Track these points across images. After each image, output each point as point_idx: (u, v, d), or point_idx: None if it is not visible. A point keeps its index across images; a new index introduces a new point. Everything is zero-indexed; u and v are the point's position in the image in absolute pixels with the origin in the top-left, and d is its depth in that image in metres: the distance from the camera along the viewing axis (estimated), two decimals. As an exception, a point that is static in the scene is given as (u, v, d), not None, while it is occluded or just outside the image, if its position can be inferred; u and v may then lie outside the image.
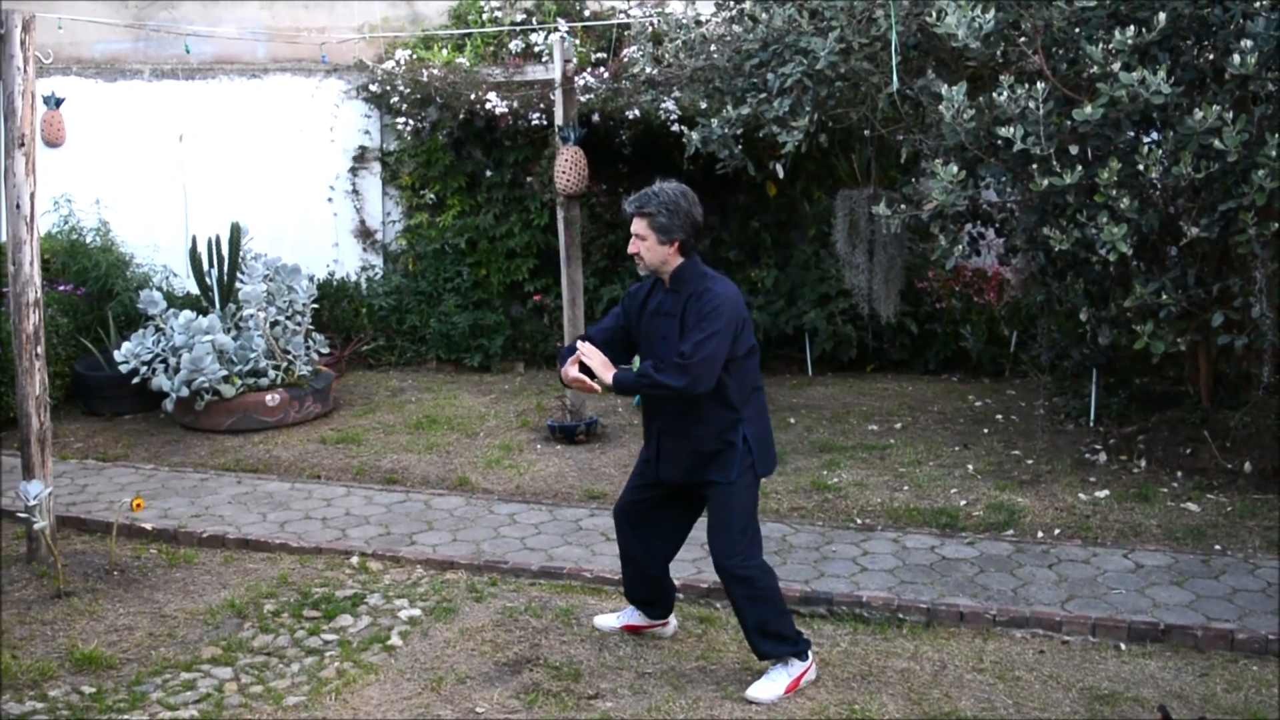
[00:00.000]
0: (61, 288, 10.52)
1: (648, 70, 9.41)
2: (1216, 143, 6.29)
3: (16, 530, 7.27)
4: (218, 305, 10.05)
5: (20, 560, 6.86)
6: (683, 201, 5.10)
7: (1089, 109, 6.45)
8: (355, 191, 12.15)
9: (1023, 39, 7.08)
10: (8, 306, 7.04)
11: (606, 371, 5.14)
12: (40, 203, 6.79)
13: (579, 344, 5.26)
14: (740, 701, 5.16)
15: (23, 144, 6.56)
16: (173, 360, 9.47)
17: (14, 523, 7.37)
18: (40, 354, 6.71)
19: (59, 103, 7.93)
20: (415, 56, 11.66)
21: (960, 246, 7.74)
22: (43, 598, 6.33)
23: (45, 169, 7.02)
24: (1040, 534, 6.96)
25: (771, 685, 5.18)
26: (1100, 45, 6.47)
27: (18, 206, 6.58)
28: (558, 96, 9.17)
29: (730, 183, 11.24)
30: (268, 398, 9.51)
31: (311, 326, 10.34)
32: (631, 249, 5.20)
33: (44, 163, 6.89)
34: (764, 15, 8.01)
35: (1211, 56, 6.87)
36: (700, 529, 5.47)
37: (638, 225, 5.14)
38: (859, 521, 7.27)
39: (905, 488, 7.76)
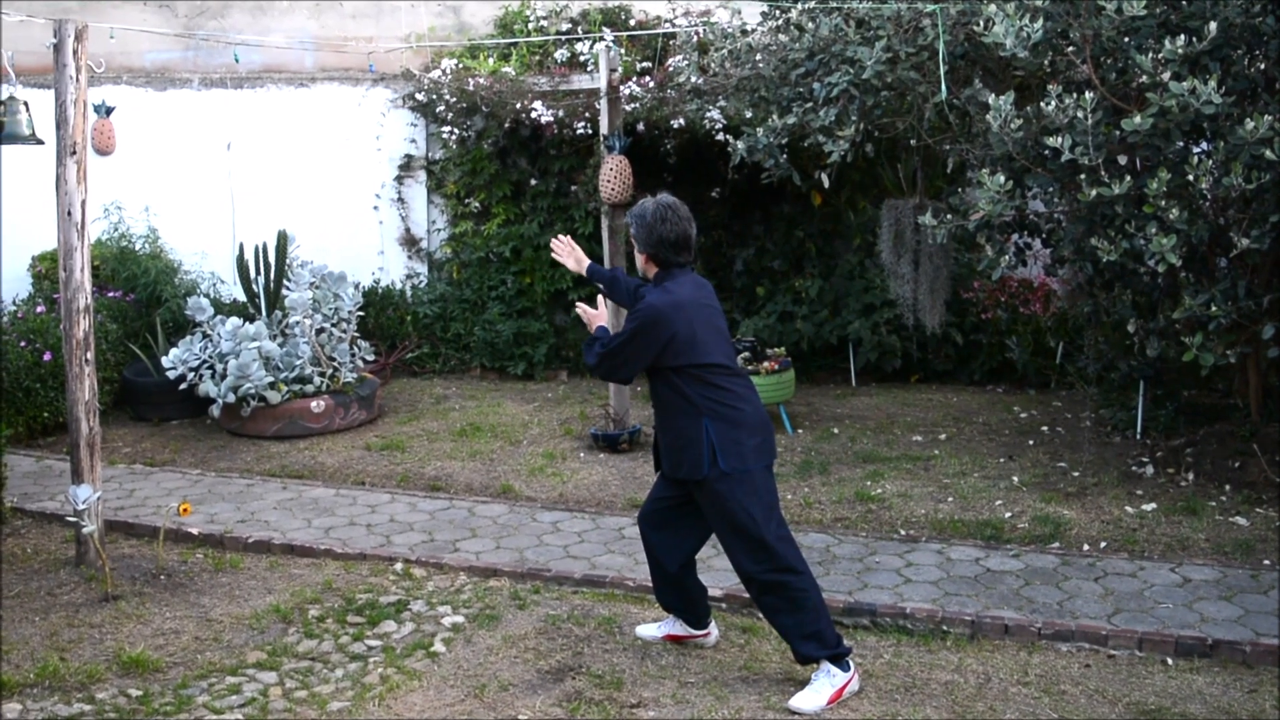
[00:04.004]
0: (111, 294, 10.64)
1: (693, 79, 9.41)
2: (1268, 153, 6.22)
3: (66, 534, 7.36)
4: (264, 312, 10.13)
5: (69, 563, 6.93)
6: (649, 217, 5.36)
7: (1138, 119, 6.40)
8: (401, 200, 12.22)
9: (1071, 48, 7.02)
10: (59, 312, 7.12)
11: (592, 326, 5.65)
12: (91, 210, 6.86)
13: (582, 305, 5.86)
14: (783, 712, 5.14)
15: (74, 152, 6.64)
16: (219, 366, 9.56)
17: (63, 526, 7.46)
18: (90, 359, 6.78)
19: (109, 111, 8.01)
20: (461, 66, 11.72)
21: (1006, 257, 7.70)
22: (91, 601, 6.39)
23: (96, 177, 7.10)
24: (1086, 547, 6.90)
25: (815, 695, 5.16)
26: (1150, 55, 6.42)
27: (69, 214, 6.66)
28: (603, 105, 9.19)
29: (775, 192, 11.26)
30: (313, 404, 9.58)
31: (357, 334, 10.41)
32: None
33: (95, 170, 6.97)
34: (810, 24, 8.00)
35: (1263, 66, 6.79)
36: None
37: None
38: (903, 533, 7.24)
39: (950, 499, 7.72)
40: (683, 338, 5.17)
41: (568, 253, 6.18)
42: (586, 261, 6.16)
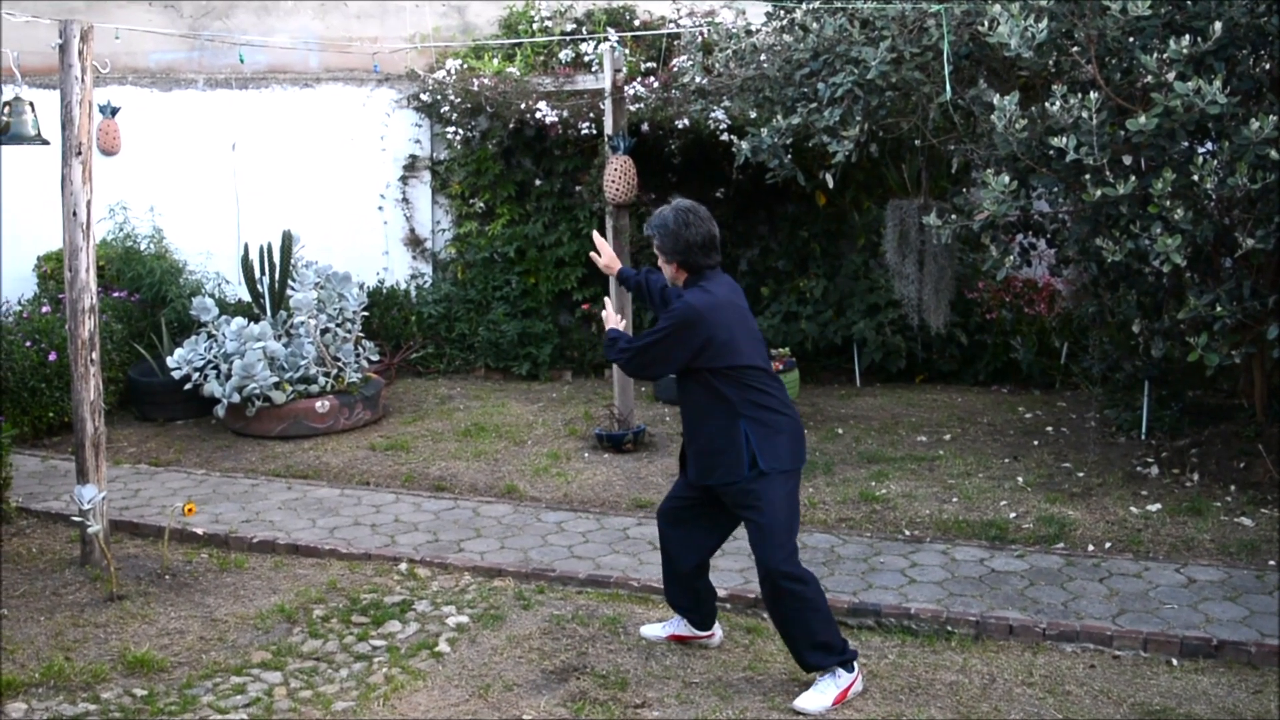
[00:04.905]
0: (116, 294, 10.65)
1: (697, 80, 9.41)
2: (1273, 153, 6.22)
3: (71, 534, 7.36)
4: (269, 312, 10.14)
5: (74, 563, 6.94)
6: (673, 224, 5.25)
7: (1143, 119, 6.40)
8: (405, 200, 12.22)
9: (1076, 48, 7.02)
10: (64, 312, 7.13)
11: (608, 324, 5.54)
12: (96, 210, 6.87)
13: (608, 311, 5.65)
14: (787, 712, 5.14)
15: (80, 152, 6.65)
16: (224, 367, 9.57)
17: (68, 526, 7.47)
18: (95, 359, 6.79)
19: (115, 112, 8.00)
20: (466, 66, 11.72)
21: (1011, 257, 7.69)
22: (96, 601, 6.40)
23: (101, 177, 7.10)
24: (1091, 547, 6.89)
25: (819, 696, 5.16)
26: (1155, 55, 6.41)
27: (74, 214, 6.67)
28: (607, 106, 9.18)
29: (780, 192, 11.25)
30: (318, 404, 9.58)
31: (361, 334, 10.41)
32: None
33: (100, 171, 6.97)
34: (815, 25, 8.00)
35: (1268, 66, 6.79)
36: (743, 538, 5.44)
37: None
38: (907, 533, 7.24)
39: (954, 499, 7.71)
40: (720, 339, 5.09)
41: (603, 248, 6.06)
42: (618, 265, 6.05)
